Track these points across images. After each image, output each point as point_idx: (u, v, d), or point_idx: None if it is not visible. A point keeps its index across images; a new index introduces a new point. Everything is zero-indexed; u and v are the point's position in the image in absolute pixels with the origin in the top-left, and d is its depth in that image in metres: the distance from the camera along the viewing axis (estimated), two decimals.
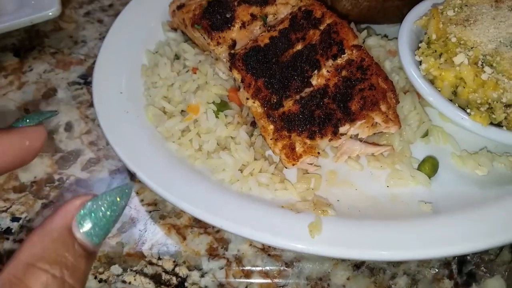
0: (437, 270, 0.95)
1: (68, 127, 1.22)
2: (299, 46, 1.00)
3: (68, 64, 1.38)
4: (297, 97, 0.97)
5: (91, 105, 1.26)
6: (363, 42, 1.16)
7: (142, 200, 1.06)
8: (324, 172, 1.04)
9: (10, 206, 1.07)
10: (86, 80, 1.33)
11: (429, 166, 1.01)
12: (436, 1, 1.12)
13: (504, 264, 0.95)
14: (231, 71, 1.02)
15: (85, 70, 1.35)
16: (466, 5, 1.04)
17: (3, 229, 1.04)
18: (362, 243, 0.85)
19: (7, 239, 1.02)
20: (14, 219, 1.05)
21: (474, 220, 0.89)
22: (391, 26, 1.28)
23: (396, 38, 1.14)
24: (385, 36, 1.25)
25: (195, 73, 1.12)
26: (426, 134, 1.07)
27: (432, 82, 1.02)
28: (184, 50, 1.17)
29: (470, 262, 0.96)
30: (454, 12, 1.03)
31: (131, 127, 1.06)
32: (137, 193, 1.07)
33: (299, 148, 0.95)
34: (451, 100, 0.99)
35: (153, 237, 1.00)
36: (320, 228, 0.87)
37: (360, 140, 1.02)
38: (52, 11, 1.29)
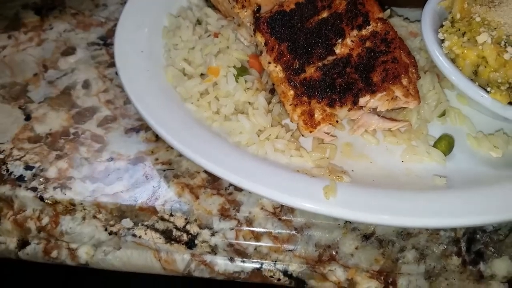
0: (445, 247, 0.96)
1: (86, 84, 1.22)
2: (324, 14, 1.01)
3: (88, 25, 1.38)
4: (320, 64, 0.98)
5: (109, 65, 1.26)
6: None
7: (156, 159, 1.07)
8: (340, 144, 1.04)
9: (24, 155, 1.08)
10: (105, 41, 1.33)
11: (445, 143, 1.01)
12: None
13: None
14: (254, 35, 1.03)
15: (105, 32, 1.36)
16: None
17: (16, 176, 1.04)
18: (375, 208, 0.86)
19: (19, 186, 1.02)
20: (28, 167, 1.05)
21: (486, 196, 0.90)
22: (412, 11, 1.28)
23: (418, 21, 1.15)
24: (407, 18, 1.25)
25: (216, 37, 1.12)
26: (443, 114, 1.08)
27: (453, 61, 1.02)
28: (206, 14, 1.17)
29: (479, 241, 0.97)
30: None
31: (151, 85, 1.06)
32: (151, 152, 1.08)
33: (317, 115, 0.96)
34: (471, 80, 1.00)
35: (166, 194, 1.01)
36: (335, 191, 0.88)
37: (378, 114, 1.03)
38: None
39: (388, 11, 1.21)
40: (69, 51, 1.31)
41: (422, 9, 1.12)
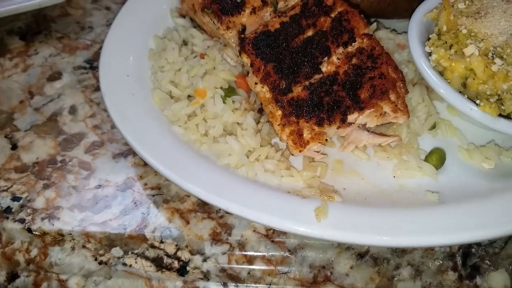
0: (441, 262, 0.94)
1: (73, 110, 1.21)
2: (309, 33, 1.00)
3: (74, 48, 1.37)
4: (307, 83, 0.97)
5: (96, 89, 1.25)
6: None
7: (145, 184, 1.05)
8: (330, 162, 1.03)
9: (11, 186, 1.06)
10: (92, 65, 1.32)
11: (437, 157, 1.00)
12: None
13: (509, 258, 0.94)
14: (240, 55, 1.02)
15: (91, 55, 1.35)
16: None
17: (3, 208, 1.02)
18: (368, 229, 0.84)
19: (7, 218, 1.01)
20: (15, 198, 1.04)
21: (480, 211, 0.89)
22: (400, 21, 1.28)
23: (405, 32, 1.14)
24: (394, 30, 1.24)
25: (203, 58, 1.11)
26: (433, 127, 1.07)
27: (441, 73, 1.01)
28: (192, 35, 1.16)
29: (474, 254, 0.95)
30: (465, 5, 1.03)
31: (137, 109, 1.05)
32: (140, 176, 1.06)
33: (306, 135, 0.95)
34: (460, 92, 0.99)
35: (156, 221, 0.99)
36: (327, 213, 0.86)
37: (368, 130, 1.02)
38: None
39: (375, 24, 1.20)
40: (55, 76, 1.30)
41: (409, 20, 1.12)
